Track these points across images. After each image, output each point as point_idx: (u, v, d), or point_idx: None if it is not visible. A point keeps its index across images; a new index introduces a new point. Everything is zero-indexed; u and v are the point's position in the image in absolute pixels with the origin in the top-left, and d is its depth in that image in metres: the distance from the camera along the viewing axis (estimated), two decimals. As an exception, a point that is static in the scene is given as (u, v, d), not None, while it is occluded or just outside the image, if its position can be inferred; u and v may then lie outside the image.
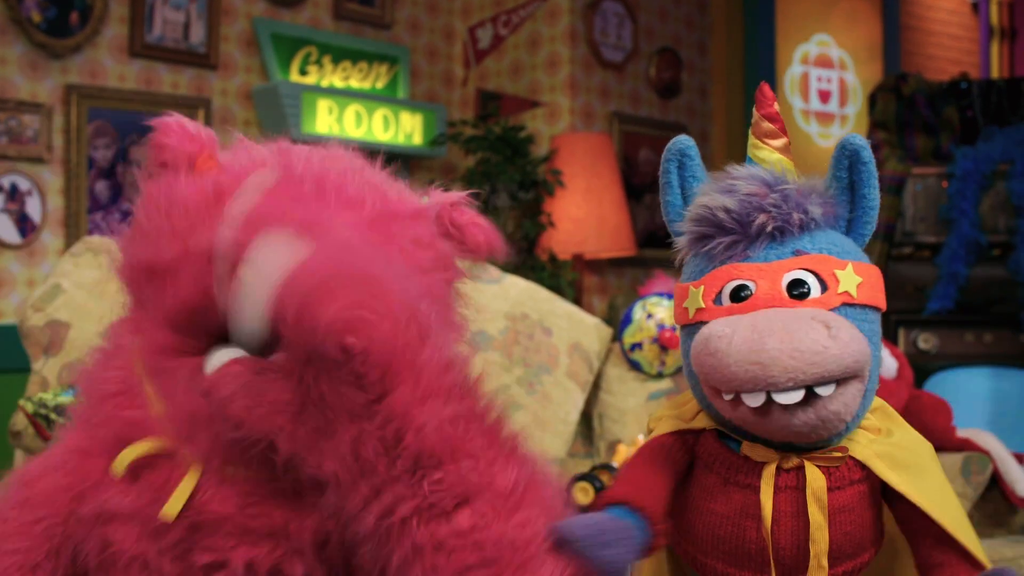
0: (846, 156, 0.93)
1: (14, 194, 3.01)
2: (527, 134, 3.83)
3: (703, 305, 0.93)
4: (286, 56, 3.61)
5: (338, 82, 3.75)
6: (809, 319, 0.85)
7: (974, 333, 3.20)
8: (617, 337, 2.42)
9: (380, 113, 3.73)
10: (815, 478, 0.90)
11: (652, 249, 4.16)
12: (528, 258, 3.66)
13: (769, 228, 0.91)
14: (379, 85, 3.88)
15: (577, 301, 3.63)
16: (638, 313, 2.37)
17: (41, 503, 0.94)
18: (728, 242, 0.93)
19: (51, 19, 3.06)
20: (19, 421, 1.82)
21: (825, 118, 4.86)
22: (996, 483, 2.02)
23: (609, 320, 3.25)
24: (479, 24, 4.16)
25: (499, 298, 2.24)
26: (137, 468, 0.92)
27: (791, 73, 4.74)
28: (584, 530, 0.85)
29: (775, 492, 0.91)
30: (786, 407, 0.85)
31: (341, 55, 3.76)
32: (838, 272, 0.89)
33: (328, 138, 1.05)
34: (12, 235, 3.02)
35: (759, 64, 4.40)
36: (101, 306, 1.96)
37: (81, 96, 3.13)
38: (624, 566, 0.87)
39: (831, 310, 0.88)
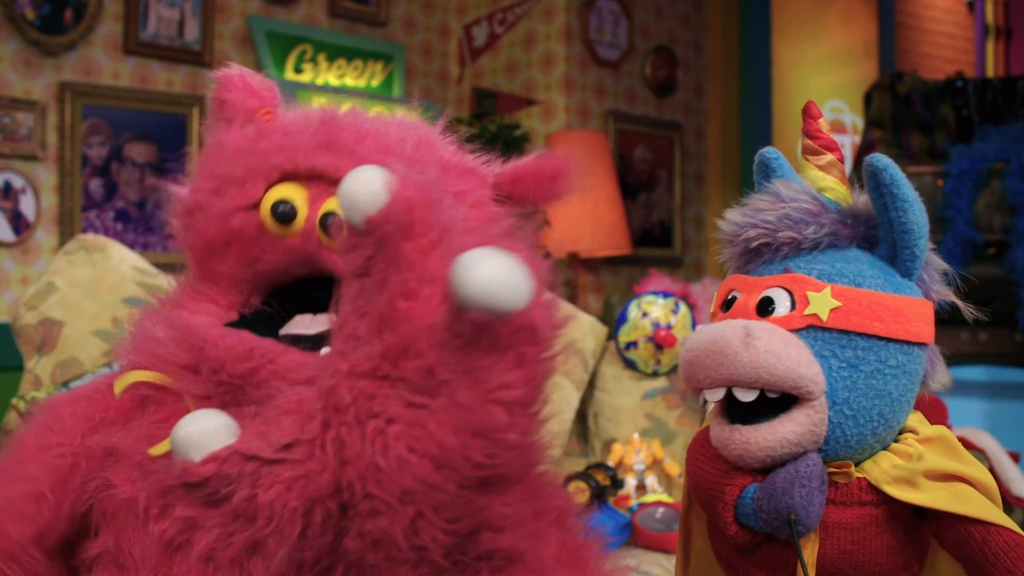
0: (869, 178, 0.90)
1: (8, 192, 3.00)
2: (522, 132, 3.82)
3: (713, 309, 0.97)
4: (281, 54, 3.60)
5: (333, 80, 3.74)
6: (735, 326, 0.87)
7: (969, 332, 3.20)
8: (612, 336, 2.41)
9: (375, 111, 3.71)
10: None
11: (647, 248, 4.16)
12: (523, 256, 3.65)
13: (755, 244, 0.93)
14: (374, 83, 3.87)
15: (572, 299, 3.63)
16: (633, 312, 2.37)
17: (59, 430, 0.90)
18: (736, 253, 0.96)
19: (45, 16, 3.05)
20: (12, 420, 1.81)
21: (840, 183, 4.93)
22: (991, 482, 2.01)
23: (604, 319, 3.24)
24: (474, 22, 4.15)
25: (494, 296, 2.24)
26: (145, 401, 0.89)
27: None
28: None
29: None
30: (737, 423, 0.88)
31: (336, 53, 3.75)
32: (811, 294, 0.88)
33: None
34: (6, 233, 3.01)
35: (755, 62, 4.40)
36: (95, 304, 1.96)
37: (75, 94, 3.12)
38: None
39: (794, 330, 0.88)
